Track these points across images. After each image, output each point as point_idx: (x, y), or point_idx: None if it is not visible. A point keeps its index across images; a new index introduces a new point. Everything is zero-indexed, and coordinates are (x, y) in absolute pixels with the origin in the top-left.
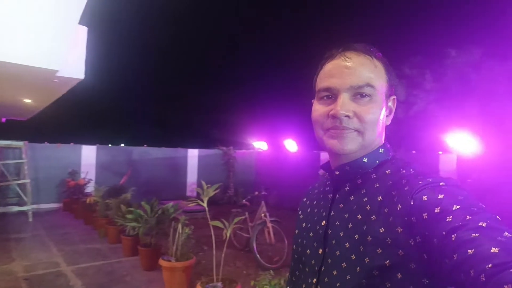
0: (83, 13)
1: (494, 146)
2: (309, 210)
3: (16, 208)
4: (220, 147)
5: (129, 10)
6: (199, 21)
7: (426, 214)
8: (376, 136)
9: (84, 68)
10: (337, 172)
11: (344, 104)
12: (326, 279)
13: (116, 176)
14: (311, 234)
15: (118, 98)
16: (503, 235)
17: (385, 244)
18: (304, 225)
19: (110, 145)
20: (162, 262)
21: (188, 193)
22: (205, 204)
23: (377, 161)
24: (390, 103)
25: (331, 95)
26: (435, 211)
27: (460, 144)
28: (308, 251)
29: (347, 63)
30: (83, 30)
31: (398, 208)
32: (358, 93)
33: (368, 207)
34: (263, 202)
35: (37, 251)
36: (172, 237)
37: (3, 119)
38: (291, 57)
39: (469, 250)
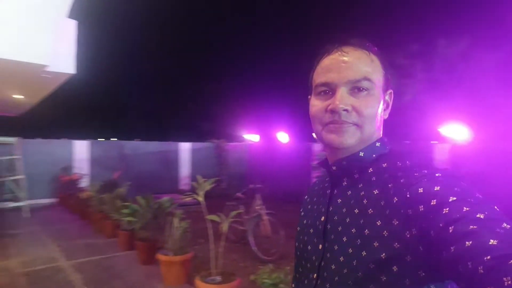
0: (72, 7)
1: (483, 135)
2: (309, 207)
3: (11, 204)
4: (212, 140)
5: (119, 3)
6: (191, 12)
7: (422, 206)
8: (375, 130)
9: (74, 63)
10: (334, 168)
11: (343, 98)
12: (325, 274)
13: (109, 170)
14: (311, 230)
15: (110, 92)
16: (502, 226)
17: (381, 236)
18: (305, 221)
19: (101, 139)
20: (160, 256)
21: (182, 187)
22: (201, 198)
23: (374, 155)
24: (387, 97)
25: (329, 90)
26: (432, 203)
27: (453, 133)
28: (309, 247)
29: (344, 58)
30: (73, 24)
31: (395, 201)
32: (356, 87)
33: (365, 201)
34: (258, 195)
35: (34, 247)
36: (169, 231)
37: None
38: (284, 49)
39: (467, 242)
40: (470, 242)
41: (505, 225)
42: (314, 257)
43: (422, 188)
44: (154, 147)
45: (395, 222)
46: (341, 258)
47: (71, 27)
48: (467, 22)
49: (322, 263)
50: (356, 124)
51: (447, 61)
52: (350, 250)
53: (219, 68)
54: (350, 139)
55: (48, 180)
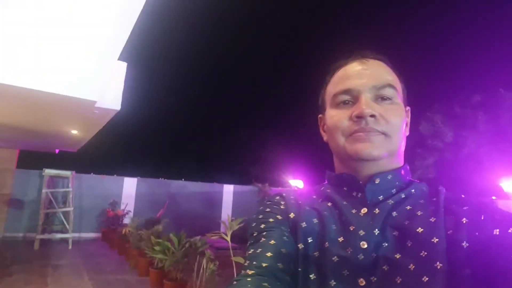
0: (123, 49)
1: None
2: (315, 224)
3: (59, 235)
4: (255, 183)
5: (170, 44)
6: (239, 57)
7: (498, 230)
8: (401, 144)
9: (121, 100)
10: (377, 180)
11: (368, 103)
12: None
13: (154, 208)
14: (335, 259)
15: (160, 133)
16: None
17: (450, 260)
18: (304, 246)
19: (149, 178)
20: None
21: (222, 229)
22: (228, 238)
23: (408, 178)
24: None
25: (349, 100)
26: (509, 230)
27: None
28: (332, 282)
29: (364, 66)
30: (123, 66)
31: (464, 222)
32: (380, 96)
33: (428, 220)
34: None
35: (70, 279)
36: (197, 272)
37: (57, 150)
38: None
39: None
40: None
41: None
42: None
43: (499, 215)
44: (198, 188)
45: (465, 245)
46: None
47: (121, 68)
48: None
49: None
50: (384, 133)
51: (509, 111)
52: (425, 279)
53: (269, 113)
54: (379, 149)
55: (96, 214)
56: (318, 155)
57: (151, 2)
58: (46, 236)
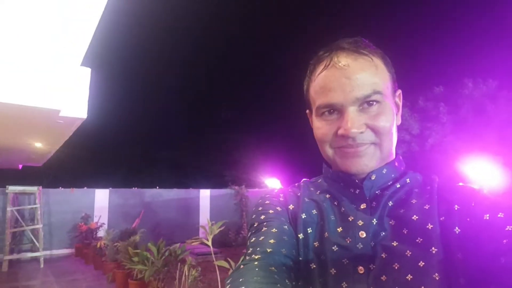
0: (87, 54)
1: None
2: (314, 215)
3: (29, 254)
4: (232, 186)
5: (138, 48)
6: (207, 60)
7: (488, 215)
8: (392, 144)
9: (86, 108)
10: (373, 177)
11: (354, 121)
12: None
13: (129, 219)
14: (335, 248)
15: (130, 141)
16: None
17: (438, 246)
18: (304, 236)
19: (121, 188)
20: None
21: (201, 235)
22: (209, 243)
23: (402, 167)
24: (397, 99)
25: (334, 110)
26: (499, 215)
27: (481, 174)
28: (332, 270)
29: (346, 73)
30: (87, 71)
31: (456, 208)
32: (366, 102)
33: (422, 208)
34: None
35: None
36: (179, 280)
37: (20, 166)
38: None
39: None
40: None
41: None
42: (346, 284)
43: (486, 202)
44: (174, 194)
45: (457, 231)
46: (409, 277)
47: (85, 74)
48: (494, 61)
49: None
50: (373, 143)
51: (472, 101)
52: (421, 264)
53: (239, 114)
54: (370, 162)
55: (67, 229)
56: (292, 153)
57: (115, 5)
58: (14, 256)
